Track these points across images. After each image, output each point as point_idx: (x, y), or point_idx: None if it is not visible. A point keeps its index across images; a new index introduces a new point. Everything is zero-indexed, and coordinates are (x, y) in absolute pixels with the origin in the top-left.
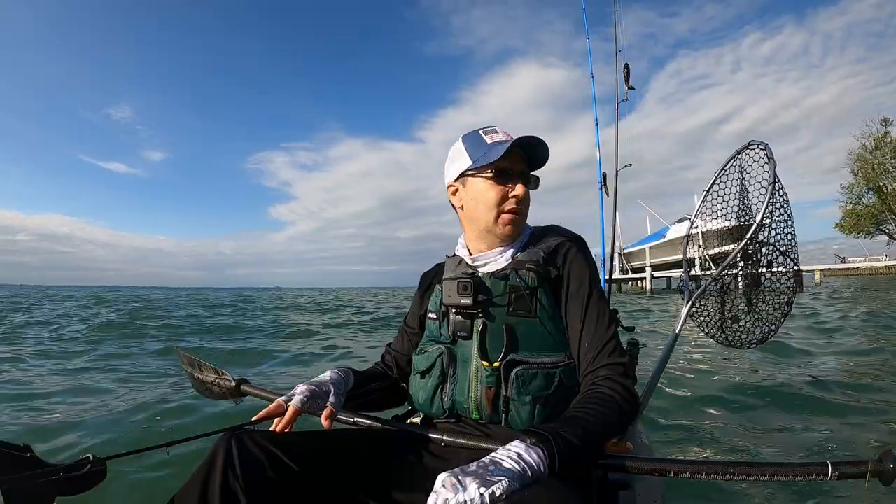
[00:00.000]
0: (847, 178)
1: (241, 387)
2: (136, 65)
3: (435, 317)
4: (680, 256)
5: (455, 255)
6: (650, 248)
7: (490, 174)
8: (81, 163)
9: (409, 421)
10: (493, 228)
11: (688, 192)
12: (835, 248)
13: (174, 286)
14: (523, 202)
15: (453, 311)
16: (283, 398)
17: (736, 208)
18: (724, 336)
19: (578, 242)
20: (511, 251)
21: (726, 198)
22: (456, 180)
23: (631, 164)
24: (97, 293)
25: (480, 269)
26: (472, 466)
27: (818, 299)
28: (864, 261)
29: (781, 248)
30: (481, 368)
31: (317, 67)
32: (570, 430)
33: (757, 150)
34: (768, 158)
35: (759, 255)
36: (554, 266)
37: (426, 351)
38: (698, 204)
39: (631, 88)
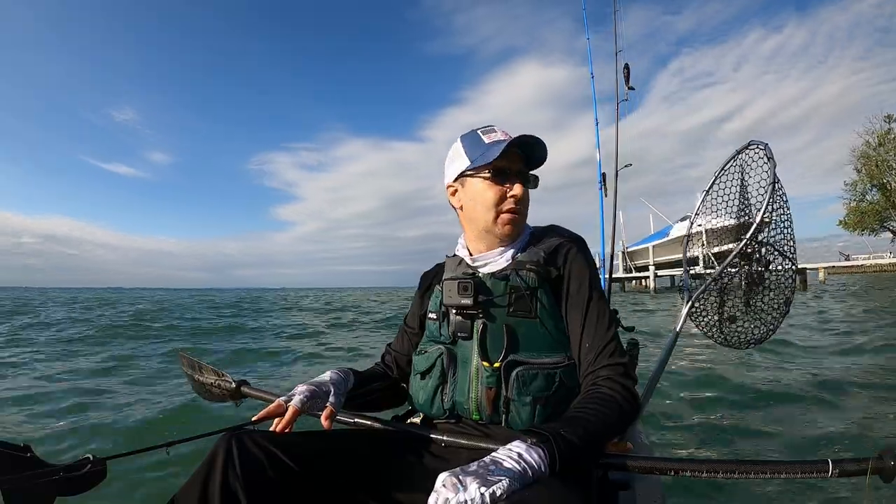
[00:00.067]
0: (851, 176)
1: (242, 388)
2: (137, 65)
3: (435, 317)
4: (689, 253)
5: (455, 255)
6: (653, 246)
7: (488, 174)
8: (83, 164)
9: (409, 421)
10: (493, 229)
11: (690, 191)
12: (839, 246)
13: (179, 287)
14: (522, 202)
15: (453, 311)
16: (283, 398)
17: (736, 208)
18: (722, 336)
19: (579, 243)
20: (511, 251)
21: (726, 198)
22: (455, 181)
23: (630, 165)
24: (101, 294)
25: (481, 270)
26: (473, 466)
27: (820, 297)
28: (869, 258)
29: (780, 249)
30: (482, 369)
31: (318, 67)
32: (570, 430)
33: (756, 151)
34: (768, 158)
35: (758, 255)
36: (554, 266)
37: (426, 351)
38: (698, 204)
39: (631, 89)
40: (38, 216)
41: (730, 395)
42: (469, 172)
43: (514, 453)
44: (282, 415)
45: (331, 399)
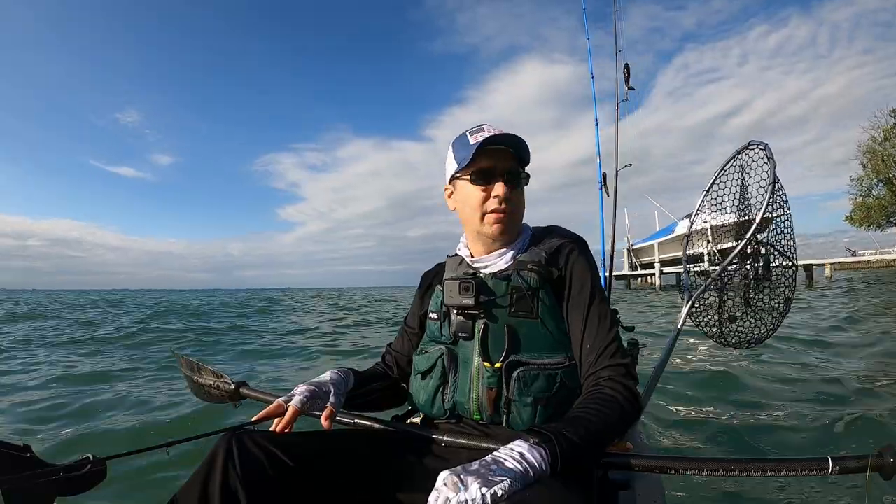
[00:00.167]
0: (857, 171)
1: (241, 389)
2: (137, 65)
3: (436, 317)
4: (689, 252)
5: (456, 254)
6: (659, 243)
7: (470, 176)
8: (89, 167)
9: (409, 421)
10: (482, 229)
11: (696, 187)
12: (845, 242)
13: (184, 288)
14: (507, 201)
15: (455, 311)
16: (282, 398)
17: (736, 208)
18: (722, 336)
19: (580, 244)
20: (512, 252)
21: (726, 197)
22: (449, 183)
23: (631, 164)
24: (107, 296)
25: (482, 270)
26: (475, 465)
27: (824, 295)
28: (876, 253)
29: (780, 248)
30: (483, 369)
31: (319, 67)
32: (572, 430)
33: (756, 151)
34: (768, 158)
35: (757, 255)
36: (556, 267)
37: (427, 351)
38: (698, 204)
39: (631, 89)
40: (42, 219)
41: (730, 393)
42: (457, 175)
43: (516, 453)
44: (282, 415)
45: (331, 399)
